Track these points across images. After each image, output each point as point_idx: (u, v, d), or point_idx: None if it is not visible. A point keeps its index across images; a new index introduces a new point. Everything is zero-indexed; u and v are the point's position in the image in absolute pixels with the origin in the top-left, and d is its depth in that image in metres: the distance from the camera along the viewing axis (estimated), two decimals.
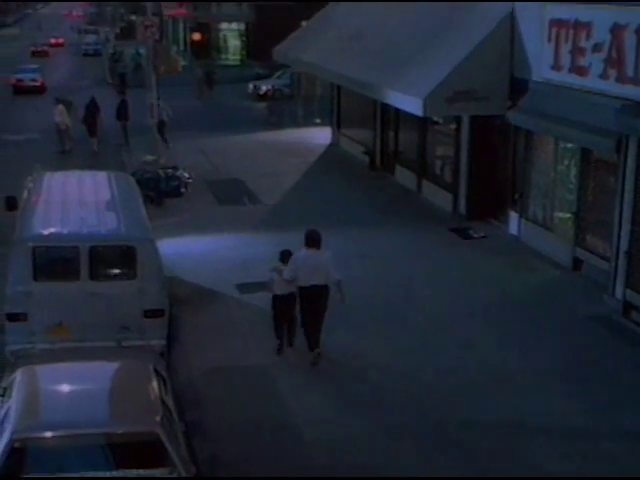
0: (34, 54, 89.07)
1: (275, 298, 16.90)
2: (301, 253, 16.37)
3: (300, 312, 16.74)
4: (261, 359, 16.78)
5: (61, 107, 38.84)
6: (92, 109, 39.33)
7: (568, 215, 21.44)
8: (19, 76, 62.10)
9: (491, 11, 23.58)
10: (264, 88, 56.40)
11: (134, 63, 68.44)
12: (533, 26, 21.84)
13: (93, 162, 34.41)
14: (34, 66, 66.53)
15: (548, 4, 21.02)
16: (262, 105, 50.71)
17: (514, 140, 23.62)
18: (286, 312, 16.91)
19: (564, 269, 21.26)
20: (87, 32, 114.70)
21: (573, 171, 21.20)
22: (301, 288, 16.35)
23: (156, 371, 12.16)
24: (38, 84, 61.33)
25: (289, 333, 17.05)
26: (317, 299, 16.38)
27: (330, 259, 16.48)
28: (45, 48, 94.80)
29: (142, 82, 53.21)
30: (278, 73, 57.04)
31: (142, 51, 53.75)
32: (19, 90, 60.88)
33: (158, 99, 35.98)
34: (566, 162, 21.61)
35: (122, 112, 39.68)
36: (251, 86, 57.97)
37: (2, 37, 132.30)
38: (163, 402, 11.35)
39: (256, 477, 12.89)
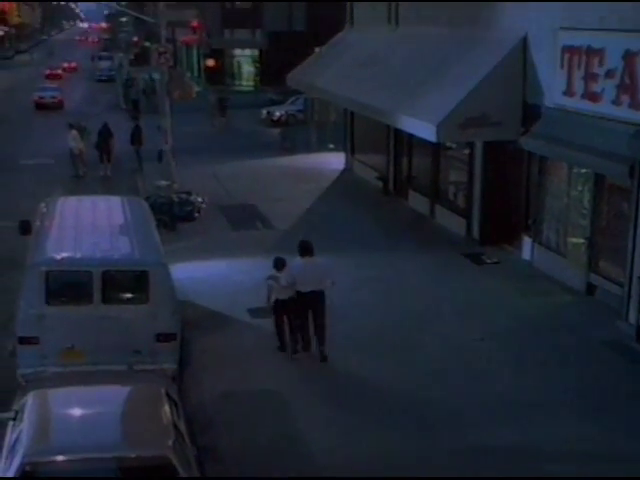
0: (48, 77, 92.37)
1: (276, 303, 17.77)
2: (296, 262, 17.66)
3: (296, 315, 17.85)
4: (273, 383, 16.76)
5: (74, 132, 39.03)
6: (105, 135, 39.48)
7: (581, 240, 21.39)
8: (40, 94, 68.57)
9: (504, 37, 23.63)
10: (278, 114, 56.58)
11: (147, 89, 68.82)
12: (546, 52, 21.88)
13: (107, 187, 34.59)
14: (54, 85, 74.66)
15: (561, 30, 21.06)
16: (276, 131, 50.84)
17: (527, 165, 23.61)
18: (289, 316, 17.92)
19: (577, 294, 21.20)
20: (101, 58, 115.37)
21: (586, 196, 21.17)
22: (299, 294, 17.57)
23: (168, 395, 12.14)
24: (57, 101, 67.50)
25: (303, 339, 18.03)
26: (315, 303, 17.66)
27: (325, 263, 18.16)
28: (59, 71, 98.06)
29: (156, 108, 53.48)
30: (292, 99, 57.20)
31: (155, 76, 54.02)
32: (40, 106, 66.53)
33: (159, 127, 36.20)
34: (579, 187, 21.57)
35: (136, 137, 39.82)
36: (265, 112, 58.14)
37: (17, 63, 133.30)
38: (175, 426, 11.32)
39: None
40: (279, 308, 17.87)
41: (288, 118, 54.93)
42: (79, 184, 35.44)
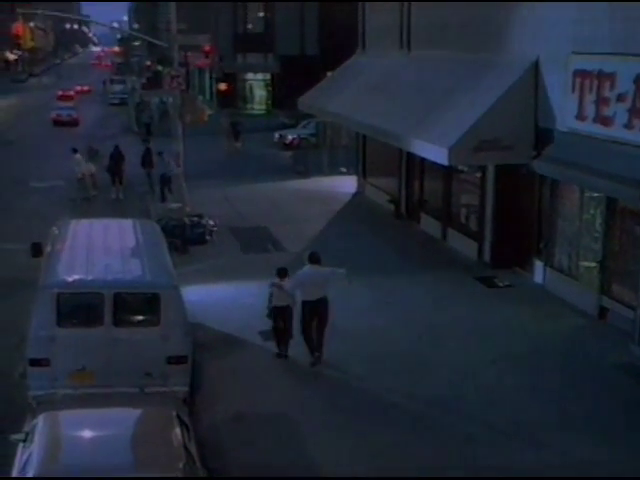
0: (60, 98, 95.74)
1: (275, 310, 18.77)
2: (305, 269, 18.79)
3: (302, 322, 18.75)
4: (284, 406, 16.73)
5: (78, 156, 39.02)
6: (116, 157, 39.58)
7: (593, 264, 21.34)
8: (58, 112, 75.69)
9: (515, 62, 23.67)
10: (290, 137, 56.67)
11: (159, 112, 69.12)
12: (557, 76, 21.89)
13: (119, 210, 34.64)
14: (70, 105, 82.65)
15: (572, 55, 21.08)
16: (288, 154, 50.93)
17: (539, 189, 23.60)
18: (285, 323, 18.88)
19: (590, 318, 21.14)
20: (113, 82, 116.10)
21: (598, 220, 21.14)
22: (305, 302, 18.63)
23: (179, 417, 12.13)
24: (73, 118, 74.37)
25: (286, 343, 18.99)
26: (320, 311, 18.66)
27: (330, 269, 19.10)
28: (70, 92, 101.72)
29: (168, 131, 53.65)
30: (304, 122, 57.31)
31: (167, 100, 54.33)
32: (57, 123, 73.45)
33: (160, 153, 36.25)
34: (591, 211, 21.55)
35: (147, 160, 39.94)
36: (277, 135, 58.24)
37: (30, 86, 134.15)
38: (186, 449, 11.30)
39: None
40: (277, 315, 18.84)
41: (300, 141, 55.03)
42: (91, 207, 35.51)
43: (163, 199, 35.87)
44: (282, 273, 18.85)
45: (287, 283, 18.62)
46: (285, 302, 18.71)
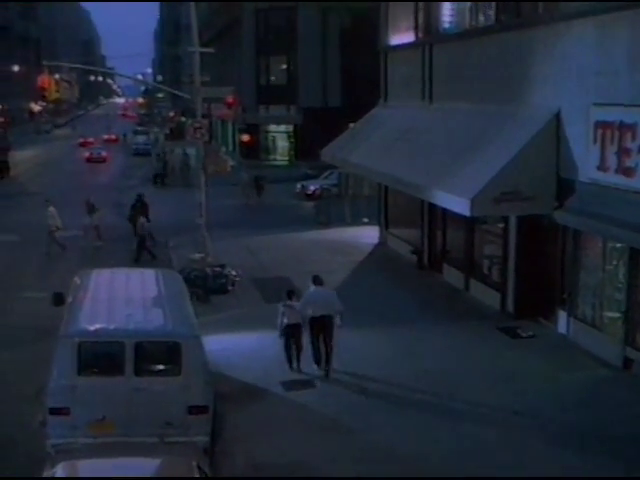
0: (82, 145, 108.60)
1: (287, 327, 20.83)
2: (310, 290, 21.32)
3: (310, 336, 20.98)
4: (304, 456, 16.62)
5: (52, 209, 38.33)
6: (138, 207, 39.55)
7: (617, 314, 21.21)
8: (91, 151, 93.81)
9: (537, 113, 23.70)
10: (312, 188, 56.90)
11: (180, 164, 69.94)
12: (579, 128, 21.88)
13: (142, 259, 34.78)
14: (101, 146, 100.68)
15: (593, 106, 21.09)
16: (310, 204, 51.07)
17: (562, 239, 23.52)
18: (296, 338, 21.02)
19: (614, 368, 20.95)
20: (137, 132, 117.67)
21: (622, 270, 21.03)
22: (313, 318, 20.82)
23: (199, 468, 12.08)
24: (102, 157, 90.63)
25: (297, 355, 21.10)
26: (325, 326, 20.83)
27: (335, 294, 21.56)
28: (90, 139, 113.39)
29: (189, 181, 54.22)
30: (326, 173, 57.55)
31: (190, 151, 54.86)
32: (89, 160, 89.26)
33: (147, 219, 36.05)
34: (614, 261, 21.45)
35: (137, 210, 39.56)
36: (299, 186, 58.47)
37: (54, 137, 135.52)
38: None
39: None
40: (289, 332, 20.94)
41: (322, 192, 55.22)
42: (112, 256, 35.42)
43: (137, 259, 35.12)
44: (291, 294, 21.47)
45: (296, 303, 21.09)
46: (296, 320, 20.91)
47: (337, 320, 20.97)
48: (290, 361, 21.14)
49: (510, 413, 18.56)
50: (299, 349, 21.15)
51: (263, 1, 78.18)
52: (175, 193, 44.11)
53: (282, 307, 21.14)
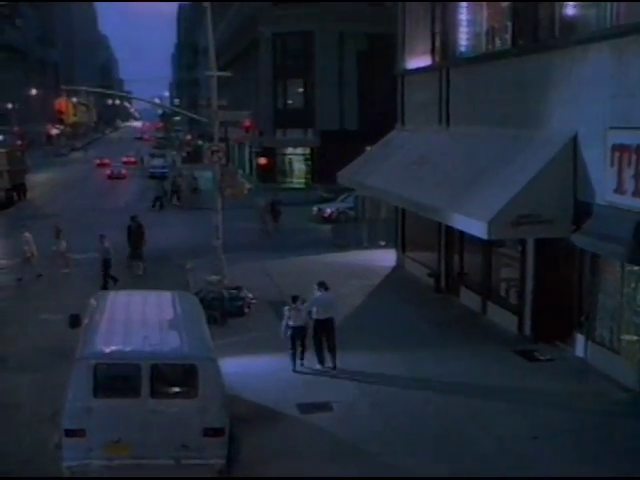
0: (98, 166, 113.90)
1: (293, 329, 22.90)
2: (317, 294, 23.45)
3: (314, 337, 23.15)
4: None
5: (27, 235, 37.93)
6: (134, 230, 38.73)
7: (635, 338, 21.10)
8: (112, 169, 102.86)
9: (554, 137, 23.68)
10: (328, 210, 56.90)
11: (191, 187, 71.19)
12: (596, 151, 21.83)
13: (155, 282, 34.70)
14: (121, 165, 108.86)
15: (610, 130, 21.06)
16: (326, 227, 51.03)
17: (579, 262, 23.45)
18: (301, 339, 23.09)
19: (632, 392, 20.80)
20: (154, 156, 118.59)
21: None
22: (316, 320, 23.13)
23: None
24: (122, 174, 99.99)
25: (302, 353, 23.21)
26: (327, 328, 23.08)
27: (334, 297, 24.06)
28: (106, 160, 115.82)
29: (200, 204, 54.47)
30: (342, 196, 57.57)
31: (198, 174, 55.22)
32: (110, 177, 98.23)
33: (102, 237, 35.80)
34: (632, 285, 21.35)
35: (133, 236, 38.98)
36: (315, 209, 58.48)
37: (71, 160, 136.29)
38: None
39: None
40: (295, 333, 22.94)
41: (339, 215, 55.20)
42: (126, 281, 35.46)
43: (105, 285, 34.41)
44: (295, 299, 23.43)
45: (301, 306, 23.23)
46: (301, 322, 23.09)
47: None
48: (294, 361, 23.04)
49: (528, 437, 18.45)
50: (303, 349, 23.17)
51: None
52: (190, 215, 44.11)
53: (287, 311, 23.31)
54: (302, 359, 23.16)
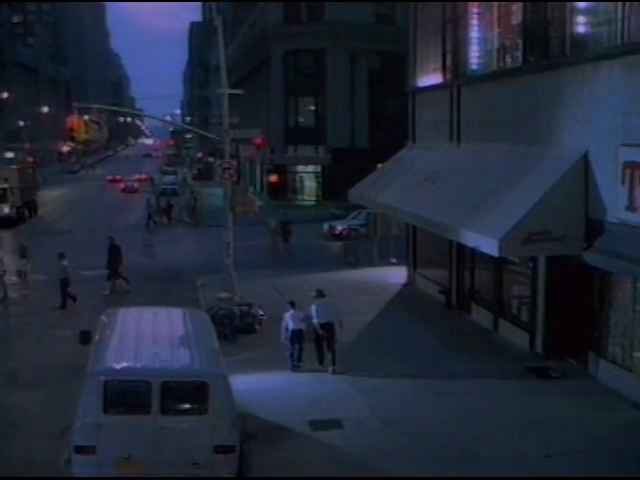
0: (110, 182, 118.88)
1: (292, 333, 24.34)
2: (316, 302, 25.01)
3: (315, 340, 24.55)
4: None
5: (0, 253, 37.75)
6: (112, 250, 38.16)
7: None
8: (126, 183, 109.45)
9: (565, 154, 23.65)
10: (339, 228, 56.90)
11: (190, 206, 71.89)
12: (607, 168, 21.79)
13: (167, 298, 34.70)
14: (133, 179, 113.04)
15: (622, 147, 21.04)
16: (337, 244, 50.99)
17: (591, 280, 23.38)
18: (300, 342, 24.45)
19: None
20: (165, 173, 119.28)
21: None
22: (318, 324, 24.38)
23: None
24: (134, 187, 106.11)
25: (299, 356, 24.53)
26: (328, 332, 24.43)
27: (334, 304, 25.69)
28: (118, 177, 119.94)
29: (198, 222, 54.66)
30: (353, 213, 57.58)
31: (199, 191, 55.39)
32: (125, 190, 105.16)
33: (61, 256, 35.43)
34: None
35: (111, 256, 38.33)
36: (326, 226, 58.48)
37: (82, 177, 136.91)
38: None
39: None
40: (294, 337, 24.36)
41: (349, 232, 55.19)
42: (137, 298, 35.39)
43: (64, 304, 34.37)
44: (293, 304, 25.14)
45: (299, 312, 24.83)
46: (299, 326, 24.45)
47: (338, 326, 24.65)
48: (292, 361, 24.48)
49: (541, 456, 18.37)
50: (301, 350, 24.52)
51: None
52: (194, 232, 44.13)
53: (287, 316, 24.78)
54: (299, 361, 24.53)
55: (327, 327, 24.50)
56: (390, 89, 64.90)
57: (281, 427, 20.02)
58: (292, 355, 24.53)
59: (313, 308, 24.80)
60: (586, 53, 23.07)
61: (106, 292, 37.20)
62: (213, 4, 39.94)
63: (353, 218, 57.75)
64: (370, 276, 40.26)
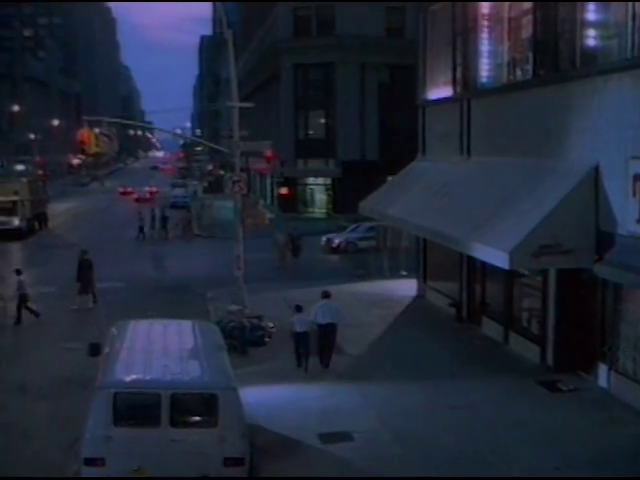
0: (122, 194, 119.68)
1: (297, 335, 25.63)
2: (320, 302, 26.18)
3: (318, 341, 25.64)
4: None
5: None
6: (83, 265, 37.49)
7: None
8: (139, 193, 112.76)
9: (575, 167, 23.62)
10: (336, 241, 56.78)
11: (185, 220, 72.23)
12: (618, 181, 21.75)
13: (177, 310, 34.69)
14: (147, 188, 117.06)
15: (632, 160, 21.00)
16: (334, 258, 50.76)
17: (602, 292, 23.33)
18: (304, 343, 25.61)
19: None
20: (175, 185, 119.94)
21: None
22: (320, 325, 25.65)
23: None
24: (147, 198, 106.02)
25: (306, 360, 25.58)
26: (329, 332, 25.70)
27: (337, 305, 26.69)
28: (129, 189, 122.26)
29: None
30: (352, 226, 57.47)
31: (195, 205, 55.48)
32: (138, 200, 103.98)
33: (19, 272, 35.07)
34: None
35: (81, 271, 37.43)
36: (324, 239, 58.05)
37: (92, 190, 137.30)
38: None
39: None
40: (298, 339, 25.61)
41: (347, 245, 55.13)
42: (149, 310, 35.45)
43: (19, 321, 33.94)
44: (299, 308, 26.28)
45: (305, 316, 25.86)
46: (304, 329, 25.60)
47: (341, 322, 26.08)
48: (299, 362, 25.71)
49: (550, 468, 18.31)
50: (307, 353, 25.57)
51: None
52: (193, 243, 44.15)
53: (294, 319, 26.08)
54: (306, 362, 25.59)
55: (329, 327, 25.69)
56: (400, 102, 64.85)
57: (291, 440, 19.99)
58: (299, 356, 25.83)
59: (315, 308, 26.03)
60: (596, 66, 23.06)
61: (90, 305, 36.88)
62: (224, 17, 39.96)
63: (351, 231, 57.58)
64: (380, 288, 40.20)
